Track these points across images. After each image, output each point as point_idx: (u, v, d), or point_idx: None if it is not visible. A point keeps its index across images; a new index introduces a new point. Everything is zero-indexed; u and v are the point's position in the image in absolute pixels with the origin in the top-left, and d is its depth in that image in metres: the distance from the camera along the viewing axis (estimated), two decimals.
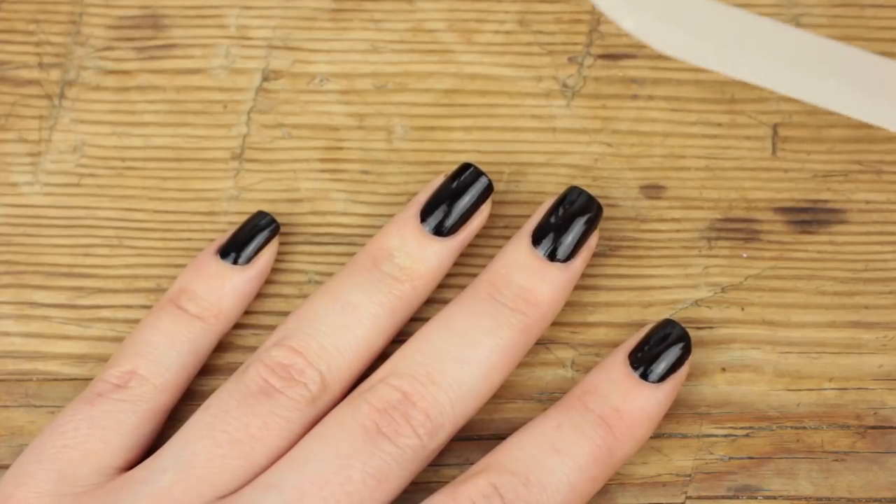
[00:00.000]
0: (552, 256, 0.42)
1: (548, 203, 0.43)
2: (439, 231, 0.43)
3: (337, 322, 0.42)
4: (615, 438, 0.40)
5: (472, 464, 0.41)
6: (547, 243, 0.43)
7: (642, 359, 0.41)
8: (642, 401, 0.41)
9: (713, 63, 0.43)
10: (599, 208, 0.43)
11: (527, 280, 0.42)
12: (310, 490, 0.39)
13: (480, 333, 0.41)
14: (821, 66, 0.43)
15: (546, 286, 0.42)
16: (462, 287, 0.44)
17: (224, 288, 0.43)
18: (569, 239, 0.43)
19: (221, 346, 0.44)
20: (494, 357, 0.41)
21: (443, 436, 0.41)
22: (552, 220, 0.43)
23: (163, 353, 0.42)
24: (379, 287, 0.42)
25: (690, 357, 0.42)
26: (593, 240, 0.43)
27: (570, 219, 0.43)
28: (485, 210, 0.44)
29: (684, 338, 0.42)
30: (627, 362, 0.41)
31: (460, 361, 0.41)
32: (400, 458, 0.40)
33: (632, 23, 0.43)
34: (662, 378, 0.41)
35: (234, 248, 0.44)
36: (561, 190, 0.45)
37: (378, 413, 0.40)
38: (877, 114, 0.43)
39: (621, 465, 0.41)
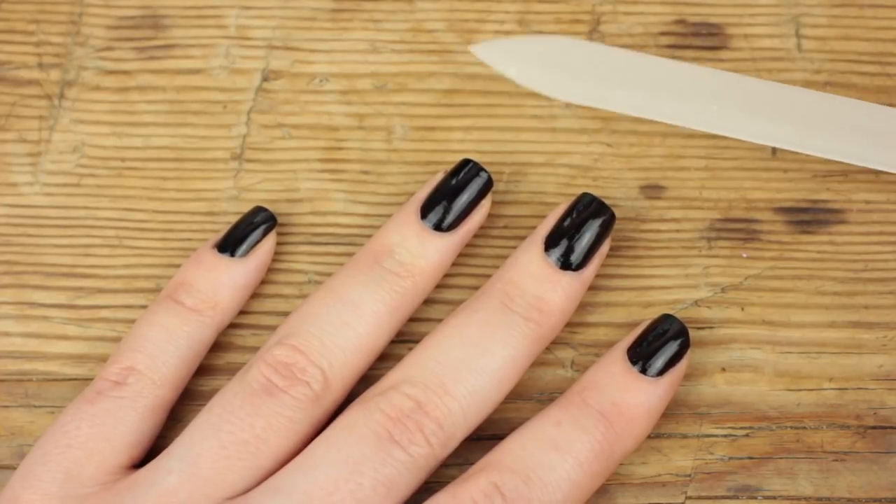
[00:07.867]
0: (565, 264, 0.42)
1: (560, 209, 0.43)
2: (440, 227, 0.43)
3: (338, 319, 0.42)
4: (615, 434, 0.40)
5: (472, 464, 0.41)
6: (559, 251, 0.42)
7: (641, 354, 0.41)
8: (641, 395, 0.41)
9: (601, 103, 0.45)
10: (612, 215, 0.43)
11: (540, 289, 0.42)
12: (319, 495, 0.39)
13: (494, 344, 0.41)
14: (707, 95, 0.44)
15: (559, 295, 0.42)
16: (462, 287, 0.44)
17: (221, 279, 0.43)
18: (581, 247, 0.43)
19: (222, 347, 0.44)
20: (507, 366, 0.41)
21: (453, 444, 0.41)
22: (565, 226, 0.43)
23: (160, 349, 0.42)
24: (380, 284, 0.42)
25: (689, 352, 0.42)
26: (605, 247, 0.43)
27: (583, 226, 0.43)
28: (485, 206, 0.44)
29: (683, 332, 0.42)
30: (626, 357, 0.41)
31: (474, 372, 0.41)
32: (411, 467, 0.40)
33: (515, 71, 0.44)
34: (661, 372, 0.41)
35: (231, 242, 0.44)
36: (560, 190, 0.45)
37: (391, 421, 0.40)
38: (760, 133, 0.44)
39: (621, 462, 0.41)
